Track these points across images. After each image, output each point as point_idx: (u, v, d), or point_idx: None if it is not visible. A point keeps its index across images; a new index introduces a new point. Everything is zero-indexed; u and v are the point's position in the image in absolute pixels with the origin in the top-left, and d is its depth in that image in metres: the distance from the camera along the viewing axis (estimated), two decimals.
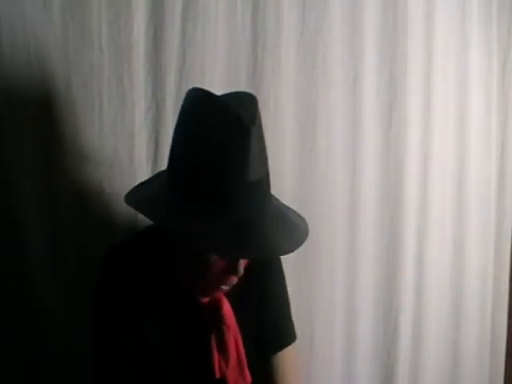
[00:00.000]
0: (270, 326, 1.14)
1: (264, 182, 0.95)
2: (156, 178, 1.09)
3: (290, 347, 1.17)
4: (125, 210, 1.23)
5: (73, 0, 1.13)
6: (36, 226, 1.15)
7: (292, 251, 0.95)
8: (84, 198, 1.20)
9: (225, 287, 1.01)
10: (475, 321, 1.92)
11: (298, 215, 1.05)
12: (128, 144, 1.22)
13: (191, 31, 1.25)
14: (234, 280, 0.99)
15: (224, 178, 0.89)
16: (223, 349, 1.05)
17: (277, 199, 1.03)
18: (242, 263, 0.96)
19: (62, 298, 1.19)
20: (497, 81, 1.86)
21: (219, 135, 0.89)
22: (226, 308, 1.05)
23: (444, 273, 1.81)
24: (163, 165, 1.25)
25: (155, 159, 1.26)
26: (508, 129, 1.94)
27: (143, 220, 1.24)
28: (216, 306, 1.04)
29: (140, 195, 1.00)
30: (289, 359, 1.17)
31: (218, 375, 1.05)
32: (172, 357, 1.04)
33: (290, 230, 0.97)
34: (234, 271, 0.97)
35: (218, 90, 1.28)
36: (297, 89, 1.42)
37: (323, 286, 1.53)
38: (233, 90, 1.33)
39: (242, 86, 1.32)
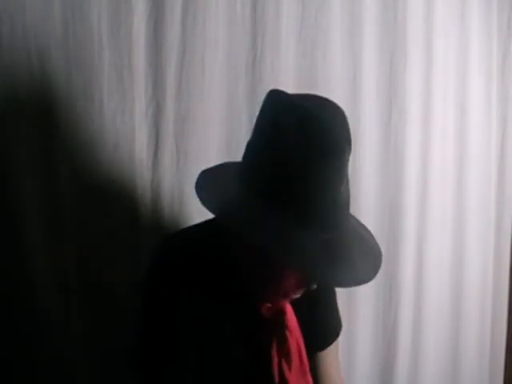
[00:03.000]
0: (319, 324, 1.12)
1: (348, 203, 0.93)
2: (225, 175, 1.02)
3: (333, 344, 1.16)
4: (126, 206, 1.24)
5: None
6: (36, 226, 1.15)
7: (372, 279, 0.93)
8: (85, 195, 1.19)
9: (294, 296, 0.99)
10: (475, 318, 1.91)
11: (371, 234, 1.03)
12: (129, 139, 1.22)
13: (191, 26, 1.25)
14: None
15: (318, 200, 0.87)
16: (286, 353, 1.02)
17: (353, 217, 1.01)
18: None
19: (62, 297, 1.19)
20: (497, 75, 1.85)
21: (315, 154, 0.86)
22: (289, 312, 1.02)
23: (444, 271, 1.80)
24: (164, 160, 1.26)
25: (156, 155, 1.25)
26: (508, 128, 1.94)
27: (144, 220, 1.25)
28: (279, 311, 1.02)
29: (218, 198, 0.94)
30: (332, 355, 1.16)
31: (277, 380, 1.02)
32: (228, 358, 1.01)
33: (369, 255, 0.95)
34: (309, 286, 0.95)
35: (218, 85, 1.30)
36: (296, 83, 1.41)
37: None
38: (232, 85, 1.35)
39: (241, 81, 1.33)
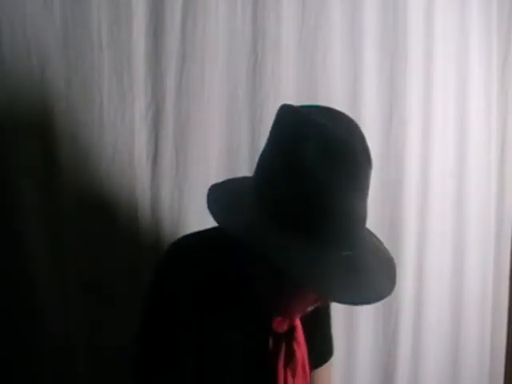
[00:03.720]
0: (320, 340, 1.11)
1: (366, 217, 0.90)
2: (238, 192, 0.95)
3: (329, 362, 1.15)
4: (125, 208, 1.24)
5: None
6: (36, 226, 1.15)
7: (390, 294, 0.89)
8: (84, 196, 1.20)
9: (308, 310, 0.96)
10: (475, 321, 1.91)
11: (384, 246, 1.01)
12: (128, 142, 1.22)
13: (191, 29, 1.25)
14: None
15: (336, 217, 0.83)
16: (292, 365, 1.00)
17: (367, 229, 0.98)
18: None
19: (62, 297, 1.19)
20: (497, 76, 1.85)
21: (337, 177, 0.82)
22: (299, 325, 1.00)
23: (444, 273, 1.80)
24: (163, 162, 1.27)
25: (155, 157, 1.26)
26: (508, 129, 1.94)
27: (144, 219, 1.26)
28: (291, 325, 0.99)
29: (230, 215, 0.88)
30: (328, 373, 1.15)
31: None
32: (231, 372, 0.98)
33: (386, 269, 0.92)
34: (324, 303, 0.95)
35: (218, 89, 1.30)
36: (296, 87, 1.41)
37: None
38: (232, 88, 1.34)
39: (241, 85, 1.33)
